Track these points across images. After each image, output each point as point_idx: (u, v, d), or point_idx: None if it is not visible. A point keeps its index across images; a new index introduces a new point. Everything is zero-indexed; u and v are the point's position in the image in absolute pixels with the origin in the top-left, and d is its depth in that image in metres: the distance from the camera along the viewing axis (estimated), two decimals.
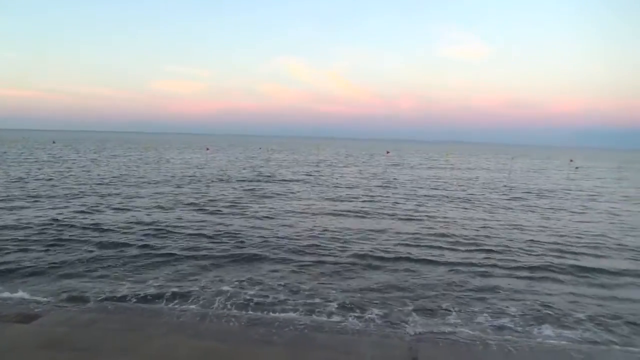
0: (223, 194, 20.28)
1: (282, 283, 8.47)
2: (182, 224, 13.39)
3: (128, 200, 17.69)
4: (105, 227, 12.57)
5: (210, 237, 12.00)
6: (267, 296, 7.78)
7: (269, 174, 31.49)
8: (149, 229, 12.57)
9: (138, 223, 13.31)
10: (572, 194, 25.60)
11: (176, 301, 7.40)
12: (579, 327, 6.95)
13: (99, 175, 27.01)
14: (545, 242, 12.69)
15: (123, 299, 7.44)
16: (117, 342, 5.42)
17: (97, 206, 15.95)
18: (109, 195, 18.80)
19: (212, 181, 25.80)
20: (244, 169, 36.24)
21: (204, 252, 10.47)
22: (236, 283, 8.36)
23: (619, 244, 12.86)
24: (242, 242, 11.60)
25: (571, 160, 71.22)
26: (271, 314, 6.94)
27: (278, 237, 12.17)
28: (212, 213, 15.57)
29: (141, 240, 11.36)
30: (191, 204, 17.43)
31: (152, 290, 7.83)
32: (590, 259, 11.13)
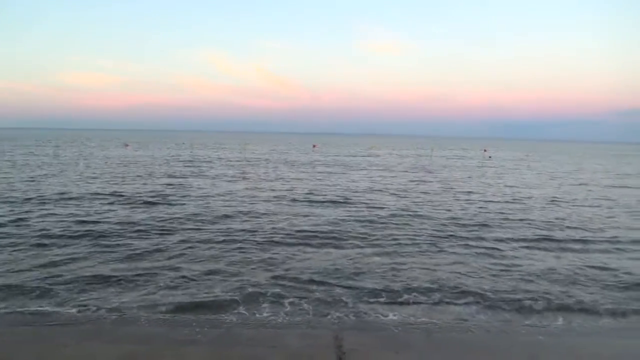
0: (143, 188, 19.29)
1: (208, 279, 8.25)
2: (97, 220, 12.50)
3: (49, 201, 16.24)
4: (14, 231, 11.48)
5: (128, 233, 11.39)
6: (193, 294, 7.53)
7: (194, 168, 30.63)
8: (58, 230, 11.57)
9: (47, 220, 12.19)
10: (481, 179, 27.97)
11: (89, 307, 6.87)
12: (499, 303, 7.42)
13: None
14: (452, 218, 14.51)
15: (29, 309, 6.78)
16: (26, 354, 5.04)
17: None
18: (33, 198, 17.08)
19: (135, 177, 24.45)
20: (166, 164, 34.75)
21: (121, 249, 9.97)
22: (160, 284, 7.96)
23: (521, 219, 14.69)
24: (165, 235, 11.22)
25: (485, 151, 76.39)
26: (196, 314, 6.72)
27: (202, 230, 11.88)
28: (132, 208, 14.76)
29: (49, 242, 10.47)
30: (113, 197, 16.49)
31: (60, 298, 7.22)
32: (496, 232, 12.65)
